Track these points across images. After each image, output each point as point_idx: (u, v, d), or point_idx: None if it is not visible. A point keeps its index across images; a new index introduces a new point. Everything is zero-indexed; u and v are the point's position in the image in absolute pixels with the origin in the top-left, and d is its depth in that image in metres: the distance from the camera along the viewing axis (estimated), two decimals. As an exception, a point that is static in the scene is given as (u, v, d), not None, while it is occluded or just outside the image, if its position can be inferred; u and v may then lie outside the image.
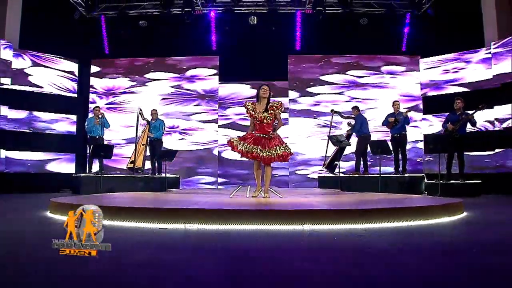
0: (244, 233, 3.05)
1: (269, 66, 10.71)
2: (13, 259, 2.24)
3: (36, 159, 9.95)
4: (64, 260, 2.04)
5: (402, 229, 3.23)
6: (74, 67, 10.85)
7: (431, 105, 10.52)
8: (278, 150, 4.87)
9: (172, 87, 11.22)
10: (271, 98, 5.09)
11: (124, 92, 11.23)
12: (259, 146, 4.87)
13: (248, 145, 4.88)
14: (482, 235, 3.22)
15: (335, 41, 10.81)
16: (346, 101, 10.83)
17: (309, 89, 11.05)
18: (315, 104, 10.98)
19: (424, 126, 10.59)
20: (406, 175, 8.37)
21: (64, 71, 10.67)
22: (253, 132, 5.00)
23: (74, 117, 10.71)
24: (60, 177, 9.87)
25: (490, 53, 9.42)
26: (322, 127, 10.80)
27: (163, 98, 11.16)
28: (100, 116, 8.74)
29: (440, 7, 10.11)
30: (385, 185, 7.74)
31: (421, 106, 10.71)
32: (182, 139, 11.04)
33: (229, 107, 11.13)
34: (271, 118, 4.92)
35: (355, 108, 8.97)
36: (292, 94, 11.02)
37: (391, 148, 8.10)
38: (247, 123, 5.20)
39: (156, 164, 8.99)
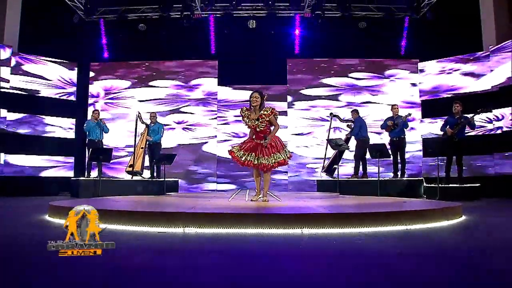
0: (243, 237, 3.05)
1: (268, 69, 10.75)
2: (11, 263, 2.23)
3: (35, 162, 9.93)
4: (63, 264, 2.03)
5: (401, 233, 3.23)
6: (73, 70, 10.86)
7: (429, 108, 10.54)
8: (275, 158, 4.88)
9: (171, 90, 11.23)
10: (266, 103, 5.09)
11: (121, 97, 11.22)
12: (253, 154, 4.88)
13: (244, 153, 4.91)
14: (480, 239, 3.22)
15: (334, 45, 10.85)
16: (345, 105, 10.85)
17: (307, 93, 11.06)
18: (313, 107, 11.00)
19: (422, 129, 10.60)
20: (405, 178, 8.38)
21: (63, 75, 10.67)
22: (253, 137, 5.02)
23: (73, 121, 10.72)
24: (59, 181, 9.87)
25: (488, 56, 9.46)
26: (318, 126, 10.81)
27: (162, 102, 11.17)
28: (99, 120, 8.76)
29: (438, 11, 10.15)
30: (384, 188, 7.75)
31: (419, 110, 10.72)
32: (184, 129, 11.10)
33: (228, 111, 11.16)
34: (263, 126, 4.92)
35: (355, 111, 8.99)
36: (291, 98, 11.04)
37: (389, 152, 8.12)
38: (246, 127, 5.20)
39: (155, 168, 8.98)
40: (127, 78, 11.29)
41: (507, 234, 3.49)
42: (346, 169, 9.80)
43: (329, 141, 8.79)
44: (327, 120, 9.81)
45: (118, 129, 10.82)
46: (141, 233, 3.20)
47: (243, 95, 11.08)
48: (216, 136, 11.08)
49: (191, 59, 11.30)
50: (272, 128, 5.01)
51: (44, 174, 10.02)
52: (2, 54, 9.39)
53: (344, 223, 3.29)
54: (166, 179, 8.35)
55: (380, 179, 7.77)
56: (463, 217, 4.23)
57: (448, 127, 7.64)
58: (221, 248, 2.70)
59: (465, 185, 7.52)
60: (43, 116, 10.21)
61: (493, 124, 9.19)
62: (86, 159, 8.94)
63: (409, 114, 8.45)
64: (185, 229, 3.25)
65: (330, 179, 9.03)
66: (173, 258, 2.39)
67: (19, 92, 9.81)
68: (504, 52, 9.10)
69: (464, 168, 7.67)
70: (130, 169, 8.85)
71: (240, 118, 5.13)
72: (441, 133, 7.89)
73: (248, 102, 5.06)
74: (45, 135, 10.18)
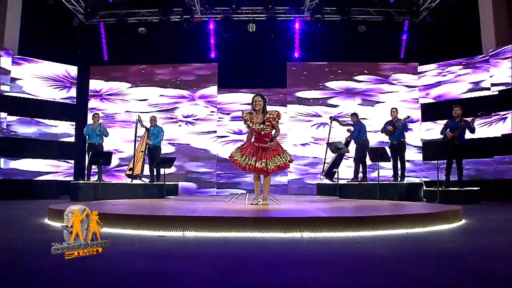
0: (243, 240, 3.04)
1: (268, 73, 10.77)
2: (13, 266, 2.22)
3: (34, 165, 9.93)
4: (62, 267, 2.02)
5: (401, 237, 3.22)
6: (73, 74, 10.86)
7: (429, 112, 10.55)
8: (276, 161, 4.86)
9: (170, 94, 11.24)
10: (268, 107, 5.08)
11: (121, 100, 11.24)
12: (254, 158, 4.86)
13: (244, 157, 4.89)
14: (481, 242, 3.21)
15: (333, 49, 10.86)
16: (345, 108, 10.86)
17: (307, 96, 11.07)
18: (314, 111, 11.01)
19: (422, 133, 10.61)
20: (404, 182, 8.37)
21: (63, 78, 10.68)
22: (252, 141, 5.00)
23: (73, 124, 10.72)
24: (58, 184, 9.86)
25: (488, 60, 9.47)
26: (318, 130, 10.81)
27: (162, 105, 11.18)
28: (99, 124, 8.77)
29: (438, 14, 10.17)
30: (384, 192, 7.73)
31: (419, 113, 10.73)
32: (187, 123, 11.16)
33: (228, 114, 11.18)
34: (269, 129, 4.92)
35: (354, 114, 8.98)
36: (291, 101, 11.05)
37: (389, 155, 8.11)
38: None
39: (155, 171, 8.97)
40: (127, 81, 11.30)
41: (507, 237, 3.48)
42: (346, 173, 9.80)
43: (329, 144, 8.78)
44: (327, 124, 9.80)
45: (117, 133, 10.84)
46: (140, 237, 3.19)
47: (243, 98, 11.09)
48: (216, 138, 11.08)
49: (191, 62, 11.32)
50: (273, 131, 5.01)
51: (43, 177, 10.01)
52: (2, 58, 9.40)
53: (343, 226, 3.28)
54: (165, 183, 8.34)
55: (380, 182, 7.76)
56: (463, 221, 4.22)
57: (448, 130, 7.64)
58: (221, 252, 2.69)
59: (465, 188, 7.52)
60: (43, 120, 10.21)
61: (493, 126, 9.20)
62: (86, 162, 8.94)
63: (408, 117, 8.44)
64: (184, 233, 3.24)
65: (330, 182, 9.02)
66: (172, 262, 2.38)
67: (19, 95, 9.81)
68: (503, 55, 9.11)
69: (464, 171, 7.66)
70: (130, 172, 8.84)
71: (240, 120, 5.10)
72: (441, 136, 7.89)
73: (250, 106, 5.05)
74: (45, 138, 10.18)
